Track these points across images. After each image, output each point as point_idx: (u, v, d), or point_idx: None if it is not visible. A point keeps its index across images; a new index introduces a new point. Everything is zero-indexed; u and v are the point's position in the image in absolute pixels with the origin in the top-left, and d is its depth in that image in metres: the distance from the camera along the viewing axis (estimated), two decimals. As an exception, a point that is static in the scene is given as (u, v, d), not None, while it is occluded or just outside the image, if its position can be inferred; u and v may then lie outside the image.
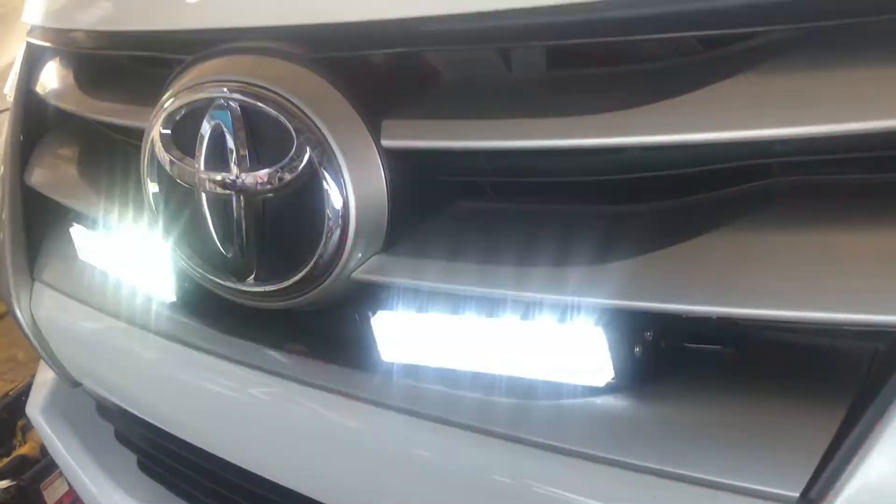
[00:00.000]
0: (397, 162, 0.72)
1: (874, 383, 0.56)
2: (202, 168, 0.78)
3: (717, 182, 0.65)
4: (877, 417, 0.53)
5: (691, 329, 0.66)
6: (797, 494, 0.55)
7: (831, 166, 0.61)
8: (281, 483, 0.89)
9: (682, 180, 0.66)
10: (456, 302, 0.70)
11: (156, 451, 1.14)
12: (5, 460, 2.20)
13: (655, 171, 0.66)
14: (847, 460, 0.54)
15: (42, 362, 1.35)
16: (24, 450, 2.23)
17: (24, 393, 2.49)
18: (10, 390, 2.59)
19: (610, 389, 0.65)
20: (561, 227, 0.70)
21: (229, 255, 0.80)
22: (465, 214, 0.76)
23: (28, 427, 2.34)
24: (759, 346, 0.65)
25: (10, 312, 1.17)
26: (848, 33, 0.56)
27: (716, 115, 0.57)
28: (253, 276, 0.79)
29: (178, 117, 0.80)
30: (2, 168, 1.20)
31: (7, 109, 3.34)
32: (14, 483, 2.07)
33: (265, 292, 0.79)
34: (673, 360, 0.66)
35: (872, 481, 0.53)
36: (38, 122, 1.19)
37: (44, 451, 2.21)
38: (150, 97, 0.90)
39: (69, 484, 1.48)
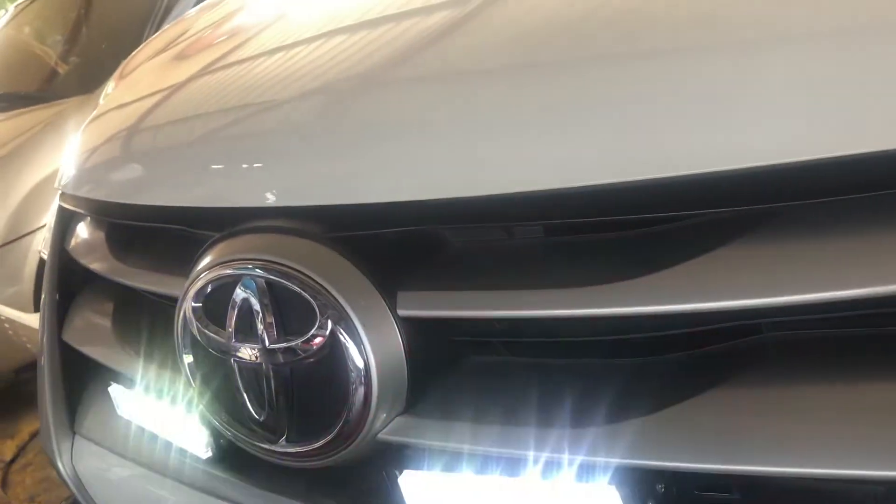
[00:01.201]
0: (413, 327, 0.77)
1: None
2: (233, 339, 0.84)
3: (710, 338, 0.70)
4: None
5: (700, 478, 0.70)
6: None
7: (817, 322, 0.66)
8: None
9: (680, 336, 0.71)
10: (478, 460, 0.74)
11: None
12: (44, 591, 2.22)
13: (654, 332, 0.71)
14: None
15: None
16: (61, 579, 2.24)
17: (60, 518, 2.52)
18: (46, 515, 2.61)
19: (628, 543, 0.68)
20: (571, 383, 0.74)
21: (261, 419, 0.85)
22: (481, 370, 0.80)
23: (65, 555, 2.36)
24: (765, 491, 0.68)
25: (52, 465, 1.21)
26: (825, 207, 0.61)
27: (707, 286, 0.62)
28: (284, 437, 0.83)
29: (207, 291, 0.86)
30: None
31: (16, 240, 3.42)
32: None
33: (297, 453, 0.83)
34: (685, 507, 0.70)
35: None
36: (73, 280, 1.26)
37: (81, 579, 2.23)
38: (178, 263, 0.97)
39: None
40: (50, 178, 3.38)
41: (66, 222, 1.25)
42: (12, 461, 3.46)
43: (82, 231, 1.23)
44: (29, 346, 3.00)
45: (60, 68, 4.12)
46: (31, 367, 3.69)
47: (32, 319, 2.89)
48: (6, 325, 3.04)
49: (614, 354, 0.75)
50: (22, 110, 3.80)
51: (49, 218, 1.33)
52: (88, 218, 1.23)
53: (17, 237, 3.39)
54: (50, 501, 3.03)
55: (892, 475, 0.56)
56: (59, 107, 3.67)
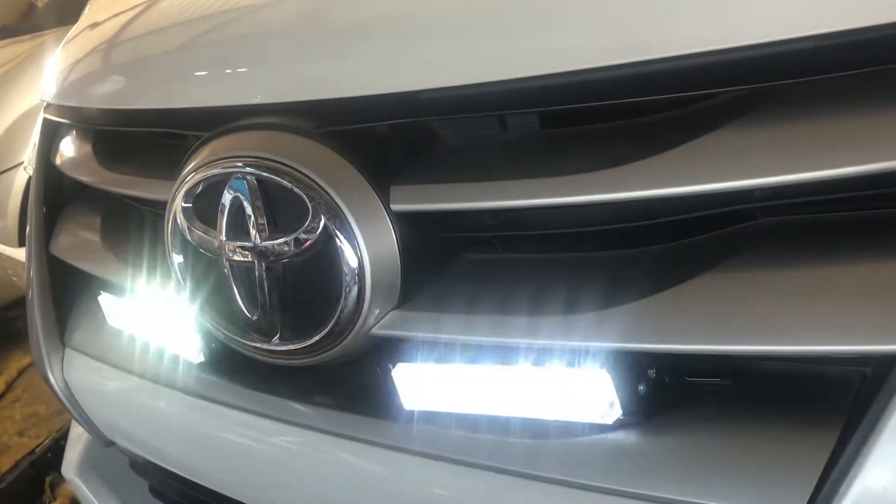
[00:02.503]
0: (407, 222, 0.77)
1: (864, 404, 0.60)
2: (224, 237, 0.83)
3: (705, 225, 0.70)
4: (867, 435, 0.58)
5: (691, 364, 0.71)
6: (799, 513, 0.60)
7: (809, 206, 0.66)
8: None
9: (672, 225, 0.71)
10: (471, 351, 0.75)
11: (190, 504, 1.18)
12: (37, 518, 2.24)
13: (647, 220, 0.71)
14: (843, 477, 0.58)
15: (74, 422, 1.40)
16: (54, 506, 2.27)
17: (50, 449, 2.54)
18: (36, 447, 2.63)
19: (619, 426, 0.69)
20: (563, 274, 0.75)
21: (254, 318, 0.85)
22: (474, 266, 0.80)
23: (56, 483, 2.38)
24: (756, 376, 0.69)
25: (43, 378, 1.22)
26: (818, 87, 0.61)
27: (701, 168, 0.62)
28: (278, 336, 0.84)
29: (198, 191, 0.86)
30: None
31: (3, 172, 3.39)
32: (47, 539, 2.12)
33: (290, 350, 0.83)
34: (676, 393, 0.71)
35: (867, 494, 0.57)
36: (59, 194, 1.24)
37: (74, 505, 2.25)
38: (166, 168, 0.96)
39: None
40: (30, 113, 3.33)
41: (51, 134, 1.23)
42: (1, 397, 3.47)
43: (68, 143, 1.21)
44: (14, 279, 2.98)
45: (39, 0, 4.04)
46: (18, 304, 3.69)
47: (18, 253, 2.87)
48: (-9, 259, 3.03)
49: (609, 246, 0.75)
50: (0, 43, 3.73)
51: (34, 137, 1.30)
52: (74, 131, 1.21)
53: (-2, 172, 3.35)
54: (39, 436, 3.05)
55: (879, 349, 0.57)
56: (38, 39, 3.61)
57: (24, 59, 3.45)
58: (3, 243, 3.21)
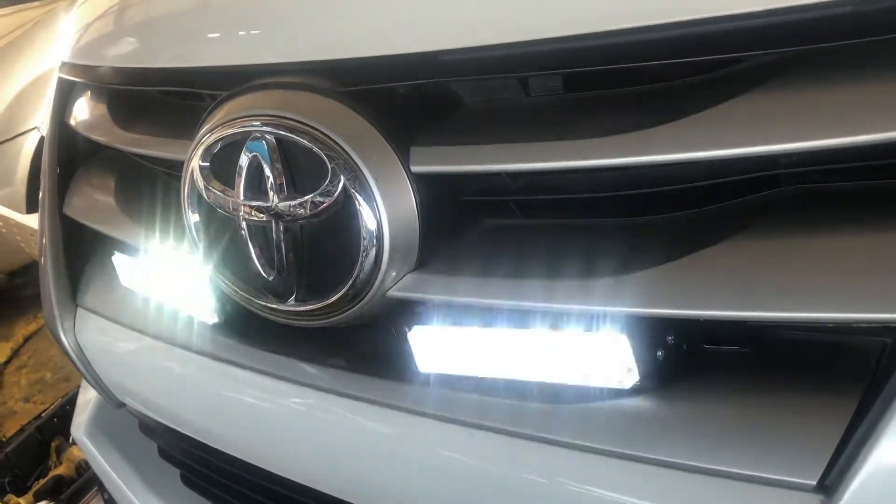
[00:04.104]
0: (426, 185, 0.77)
1: (883, 376, 0.60)
2: (241, 197, 0.83)
3: (728, 193, 0.69)
4: (886, 407, 0.57)
5: (709, 331, 0.71)
6: (814, 482, 0.59)
7: (833, 175, 0.66)
8: (324, 491, 0.94)
9: (694, 192, 0.70)
10: (488, 314, 0.74)
11: (199, 466, 1.18)
12: (42, 482, 2.26)
13: (669, 185, 0.70)
14: (860, 449, 0.57)
15: (83, 383, 1.41)
16: (60, 470, 2.28)
17: (56, 414, 2.56)
18: (42, 412, 2.65)
19: (636, 391, 0.69)
20: (583, 240, 0.74)
21: (270, 278, 0.85)
22: (493, 231, 0.80)
23: (62, 448, 2.40)
24: (774, 345, 0.69)
25: (55, 338, 1.22)
26: (844, 52, 0.60)
27: (725, 133, 0.61)
28: (294, 296, 0.83)
29: (215, 150, 0.85)
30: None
31: (6, 141, 3.39)
32: (52, 503, 2.13)
33: (306, 311, 0.83)
34: (693, 361, 0.70)
35: (883, 467, 0.57)
36: (73, 154, 1.24)
37: (79, 470, 2.27)
38: (182, 128, 0.95)
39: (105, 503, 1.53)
40: (39, 81, 3.32)
41: (66, 94, 1.23)
42: (7, 363, 3.50)
43: (83, 104, 1.21)
44: (23, 245, 2.99)
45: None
46: (25, 271, 3.71)
47: (27, 220, 2.88)
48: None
49: (630, 213, 0.74)
50: (10, 9, 3.72)
51: (50, 94, 1.30)
52: (89, 91, 1.20)
53: (7, 138, 3.35)
54: (45, 402, 3.07)
55: None
56: (48, 6, 3.59)
57: (34, 27, 3.44)
58: (12, 209, 3.21)
